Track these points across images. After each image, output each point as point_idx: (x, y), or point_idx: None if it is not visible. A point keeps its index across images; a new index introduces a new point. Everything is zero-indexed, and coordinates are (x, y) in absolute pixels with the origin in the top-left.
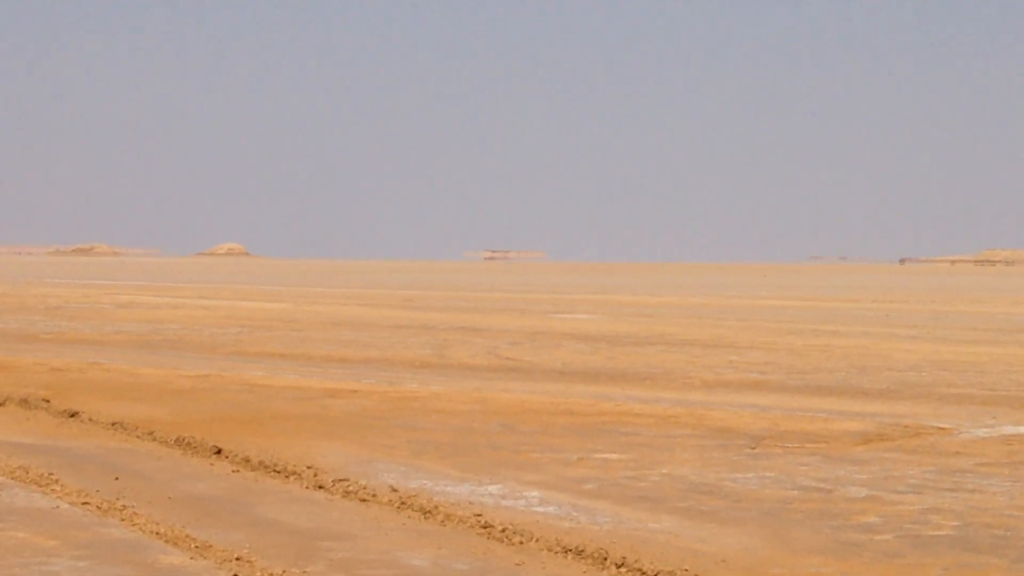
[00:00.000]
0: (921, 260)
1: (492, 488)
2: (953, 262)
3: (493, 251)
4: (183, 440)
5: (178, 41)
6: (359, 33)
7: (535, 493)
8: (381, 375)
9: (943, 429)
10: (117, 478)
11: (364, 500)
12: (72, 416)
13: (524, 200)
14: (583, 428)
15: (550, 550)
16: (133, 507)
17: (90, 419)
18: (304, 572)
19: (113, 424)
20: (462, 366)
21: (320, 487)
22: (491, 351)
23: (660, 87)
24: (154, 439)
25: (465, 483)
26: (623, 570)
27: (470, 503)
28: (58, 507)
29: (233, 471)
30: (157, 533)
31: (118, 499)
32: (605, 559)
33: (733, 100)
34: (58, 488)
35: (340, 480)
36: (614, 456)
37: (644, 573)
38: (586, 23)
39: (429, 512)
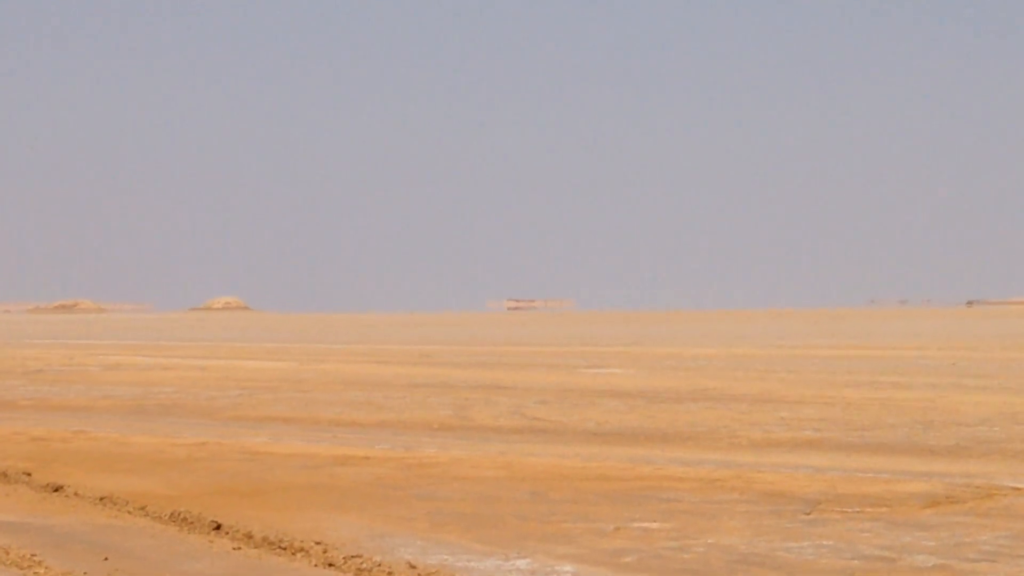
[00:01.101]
0: (991, 302)
1: (520, 563)
2: None
3: (517, 300)
4: (178, 515)
5: (163, 77)
6: (366, 63)
7: (568, 567)
8: (396, 439)
9: (1019, 489)
10: (106, 558)
11: None
12: (56, 490)
13: (550, 244)
14: (620, 495)
15: None
16: None
17: (76, 493)
18: None
19: (101, 498)
20: (485, 428)
21: (330, 564)
22: (517, 411)
23: (696, 117)
24: (146, 514)
25: (490, 558)
26: None
27: None
28: None
29: (234, 548)
30: None
31: None
32: None
33: (778, 128)
34: (42, 570)
35: (352, 556)
36: (655, 525)
37: None
38: (618, 57)
39: None
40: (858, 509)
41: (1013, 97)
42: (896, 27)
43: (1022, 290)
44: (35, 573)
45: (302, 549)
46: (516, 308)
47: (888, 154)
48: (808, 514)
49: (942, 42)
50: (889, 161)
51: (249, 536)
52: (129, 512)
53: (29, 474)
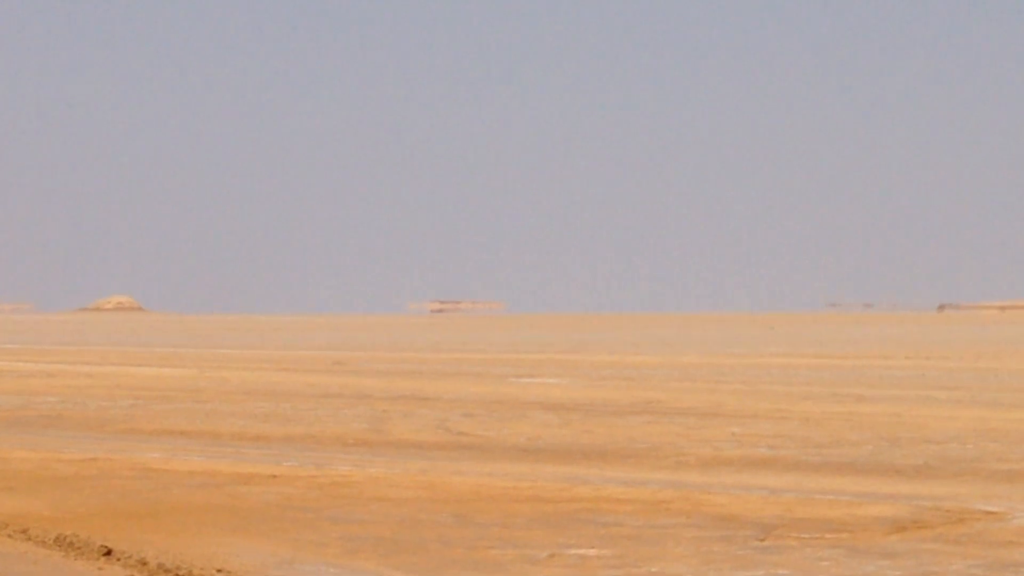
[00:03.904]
0: (964, 306)
1: None
2: (1003, 308)
3: (442, 302)
4: (64, 539)
5: (46, 63)
6: (268, 48)
7: None
8: (306, 456)
9: (992, 513)
10: None
11: None
12: None
13: (478, 241)
14: (553, 518)
15: None
16: None
17: None
18: None
19: None
20: (405, 443)
21: None
22: (440, 424)
23: (637, 109)
24: (28, 538)
25: None
26: None
27: None
28: None
29: None
30: None
31: None
32: None
33: (729, 113)
34: None
35: None
36: (592, 552)
37: None
38: (546, 49)
39: None
40: (817, 535)
41: (985, 93)
42: (864, 27)
43: (998, 293)
44: None
45: None
46: (440, 310)
47: (852, 145)
48: (762, 540)
49: (911, 41)
50: (853, 153)
51: (143, 562)
52: (9, 536)
53: None
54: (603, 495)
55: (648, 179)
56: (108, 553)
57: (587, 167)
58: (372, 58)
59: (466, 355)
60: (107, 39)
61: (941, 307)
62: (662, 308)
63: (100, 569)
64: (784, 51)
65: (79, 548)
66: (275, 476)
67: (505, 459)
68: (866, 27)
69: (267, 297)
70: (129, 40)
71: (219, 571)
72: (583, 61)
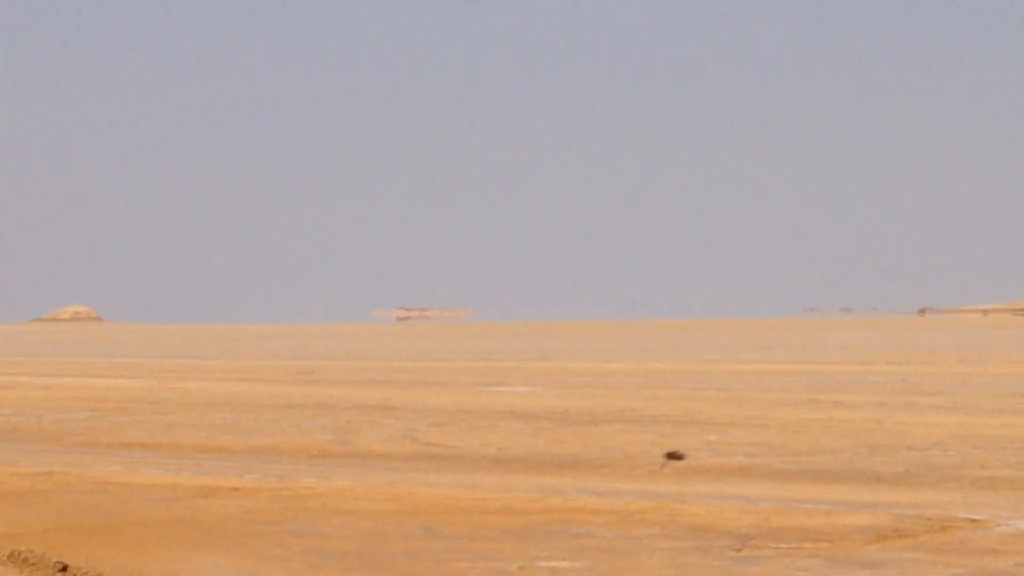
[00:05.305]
0: (945, 310)
1: None
2: (985, 312)
3: (408, 309)
4: (19, 555)
5: (6, 59)
6: (231, 55)
7: None
8: (269, 468)
9: (976, 521)
10: None
11: None
12: None
13: (445, 246)
14: (524, 530)
15: None
16: None
17: None
18: None
19: None
20: (371, 454)
21: None
22: (407, 435)
23: (607, 104)
24: None
25: None
26: None
27: None
28: None
29: None
30: None
31: None
32: None
33: (704, 117)
34: None
35: None
36: (564, 564)
37: None
38: (513, 37)
39: None
40: (795, 544)
41: (966, 97)
42: (840, 31)
43: (980, 297)
44: None
45: None
46: (407, 318)
47: (830, 147)
48: (738, 551)
49: (893, 46)
50: (831, 155)
51: None
52: None
53: None
54: (575, 506)
55: (618, 183)
56: (64, 569)
57: (555, 172)
58: (333, 66)
59: (433, 363)
60: (70, 43)
61: (922, 311)
62: (635, 314)
63: None
64: (765, 54)
65: (34, 564)
66: (237, 489)
67: (474, 470)
68: (841, 31)
69: (228, 306)
70: (92, 45)
71: None
72: (546, 63)
